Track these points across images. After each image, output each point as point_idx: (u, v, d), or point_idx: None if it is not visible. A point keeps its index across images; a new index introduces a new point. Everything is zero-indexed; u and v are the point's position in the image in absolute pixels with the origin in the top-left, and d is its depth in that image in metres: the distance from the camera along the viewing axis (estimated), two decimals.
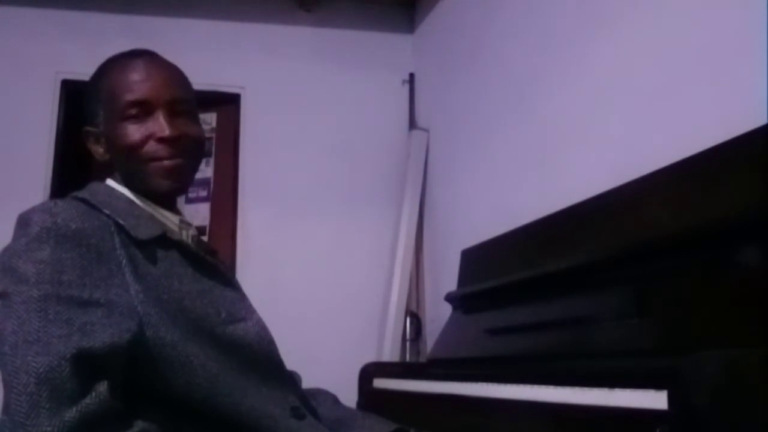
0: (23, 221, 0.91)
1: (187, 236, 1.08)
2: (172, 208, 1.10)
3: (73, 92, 3.09)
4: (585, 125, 1.92)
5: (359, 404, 1.85)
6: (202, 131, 1.10)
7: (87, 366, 0.80)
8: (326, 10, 3.41)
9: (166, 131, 1.01)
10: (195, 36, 3.24)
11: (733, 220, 1.10)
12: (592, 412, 1.02)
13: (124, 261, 0.91)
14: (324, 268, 3.15)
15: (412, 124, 3.30)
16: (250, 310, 1.04)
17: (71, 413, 0.76)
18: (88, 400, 0.78)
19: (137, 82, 1.03)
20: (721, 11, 1.47)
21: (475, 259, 2.13)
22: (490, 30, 2.60)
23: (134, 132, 1.01)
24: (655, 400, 0.89)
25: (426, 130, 3.19)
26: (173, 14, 3.29)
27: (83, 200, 0.96)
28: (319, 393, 1.20)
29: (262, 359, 1.00)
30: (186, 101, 1.07)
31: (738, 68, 1.40)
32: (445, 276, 2.68)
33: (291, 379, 1.08)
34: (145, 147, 1.02)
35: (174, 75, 1.08)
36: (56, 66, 3.10)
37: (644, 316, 1.22)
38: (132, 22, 3.21)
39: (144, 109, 1.02)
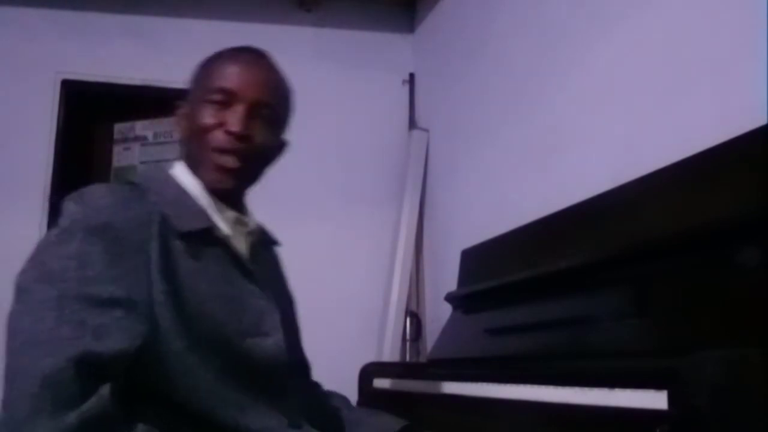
0: (62, 208, 0.91)
1: (239, 235, 1.05)
2: (236, 204, 1.07)
3: (73, 92, 3.08)
4: (585, 125, 1.92)
5: (359, 404, 1.85)
6: (274, 142, 1.09)
7: (92, 370, 0.80)
8: (326, 10, 3.41)
9: (236, 126, 1.00)
10: (195, 36, 3.22)
11: (733, 220, 1.10)
12: (592, 412, 1.01)
13: (154, 255, 0.90)
14: (324, 269, 3.14)
15: (412, 124, 3.30)
16: (275, 327, 1.01)
17: (72, 416, 0.76)
18: (90, 403, 0.78)
19: (231, 73, 1.03)
20: (721, 11, 1.47)
21: (475, 259, 2.13)
22: (490, 30, 2.60)
23: (209, 116, 1.01)
24: (655, 400, 0.89)
25: (426, 130, 3.18)
26: (173, 14, 3.28)
27: (134, 185, 0.97)
28: (333, 396, 1.22)
29: (270, 377, 0.98)
30: (270, 107, 1.05)
31: (738, 68, 1.39)
32: (445, 276, 2.67)
33: (298, 397, 1.05)
34: (212, 134, 1.01)
35: (271, 79, 1.07)
36: (56, 66, 3.09)
37: (644, 316, 1.22)
38: (132, 22, 3.20)
39: (227, 98, 1.01)
